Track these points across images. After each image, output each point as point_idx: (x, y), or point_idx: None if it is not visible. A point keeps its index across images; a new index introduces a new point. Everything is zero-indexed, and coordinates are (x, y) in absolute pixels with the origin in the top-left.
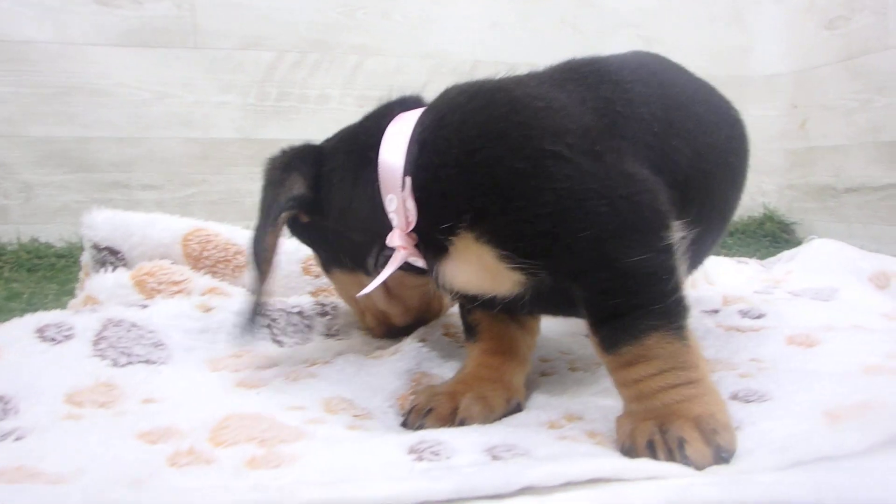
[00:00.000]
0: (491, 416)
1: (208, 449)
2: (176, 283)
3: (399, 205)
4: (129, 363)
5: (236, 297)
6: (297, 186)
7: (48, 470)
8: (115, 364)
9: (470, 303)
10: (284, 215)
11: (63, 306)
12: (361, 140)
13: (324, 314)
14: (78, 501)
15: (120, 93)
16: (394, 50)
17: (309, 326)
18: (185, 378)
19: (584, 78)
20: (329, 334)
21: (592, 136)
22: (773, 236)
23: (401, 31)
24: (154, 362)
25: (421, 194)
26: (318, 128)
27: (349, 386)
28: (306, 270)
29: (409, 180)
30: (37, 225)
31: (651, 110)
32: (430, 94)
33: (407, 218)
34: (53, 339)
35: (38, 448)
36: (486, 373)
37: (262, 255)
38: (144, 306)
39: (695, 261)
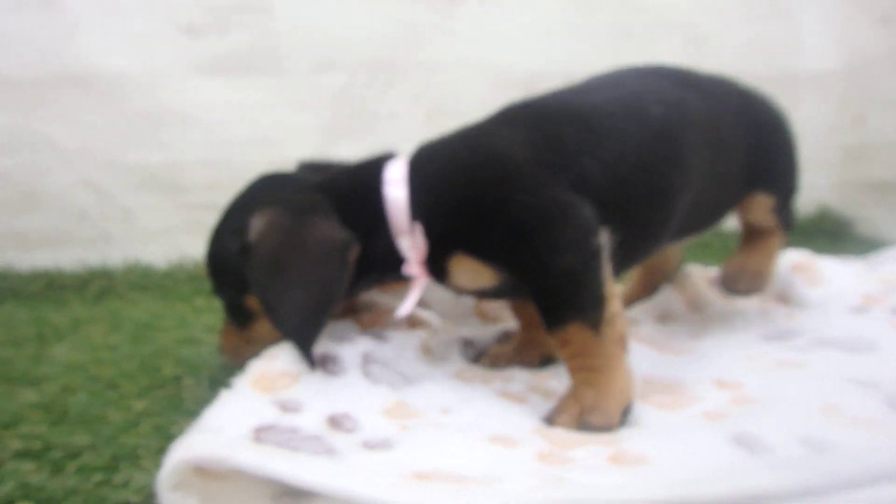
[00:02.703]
0: None
1: (560, 450)
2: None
3: (410, 244)
4: (399, 387)
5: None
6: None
7: (464, 473)
8: (392, 388)
9: (478, 296)
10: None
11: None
12: (364, 190)
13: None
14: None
15: (207, 118)
16: (458, 65)
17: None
18: (452, 390)
19: (527, 120)
20: None
21: (535, 177)
22: (833, 233)
23: (463, 46)
24: (414, 384)
25: (424, 234)
26: (389, 144)
27: None
28: None
29: (418, 225)
30: (138, 247)
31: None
32: (492, 108)
33: (419, 253)
34: (333, 373)
35: (420, 454)
36: None
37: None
38: (384, 340)
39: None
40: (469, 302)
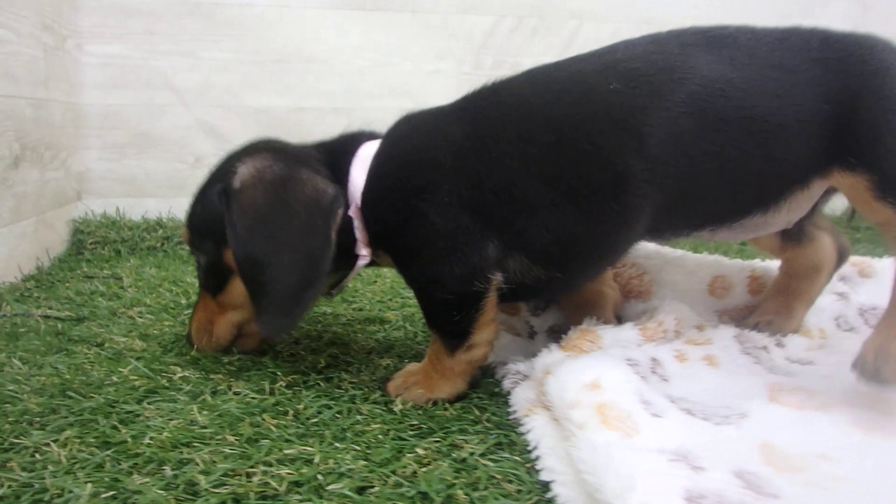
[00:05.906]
0: None
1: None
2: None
3: (359, 226)
4: (728, 420)
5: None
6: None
7: None
8: (731, 424)
9: None
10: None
11: None
12: (338, 168)
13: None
14: None
15: (336, 61)
16: (611, 15)
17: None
18: (791, 422)
19: (471, 116)
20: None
21: (451, 194)
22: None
23: None
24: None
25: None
26: None
27: None
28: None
29: (358, 220)
30: None
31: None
32: None
33: (365, 236)
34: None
35: None
36: None
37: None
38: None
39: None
40: None
